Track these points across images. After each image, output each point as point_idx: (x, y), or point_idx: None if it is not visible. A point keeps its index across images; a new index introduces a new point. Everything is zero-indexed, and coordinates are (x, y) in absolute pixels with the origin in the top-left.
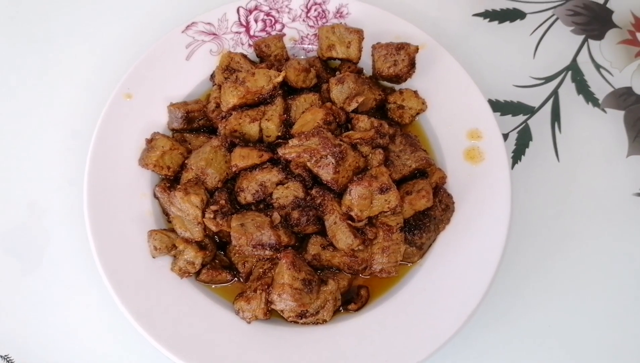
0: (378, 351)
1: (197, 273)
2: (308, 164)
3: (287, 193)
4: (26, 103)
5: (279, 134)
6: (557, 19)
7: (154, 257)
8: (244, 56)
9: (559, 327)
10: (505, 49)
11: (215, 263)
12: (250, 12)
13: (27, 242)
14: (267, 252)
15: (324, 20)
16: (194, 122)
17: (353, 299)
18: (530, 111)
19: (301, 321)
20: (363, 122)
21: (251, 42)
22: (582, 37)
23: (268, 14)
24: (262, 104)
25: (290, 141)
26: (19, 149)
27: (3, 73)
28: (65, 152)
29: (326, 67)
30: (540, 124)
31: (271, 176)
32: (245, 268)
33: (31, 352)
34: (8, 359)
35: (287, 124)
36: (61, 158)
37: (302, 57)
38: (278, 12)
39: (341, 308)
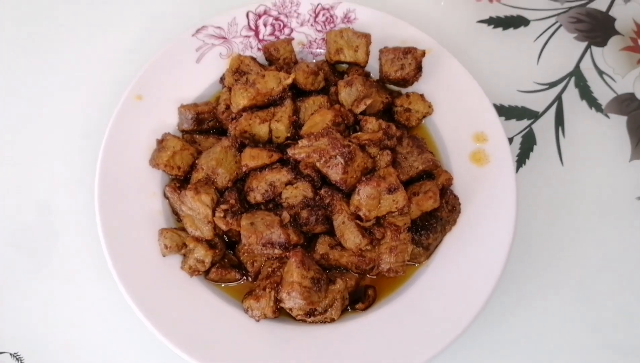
0: (385, 350)
1: (207, 272)
2: (317, 164)
3: (296, 193)
4: (38, 104)
5: (288, 135)
6: (560, 26)
7: (164, 256)
8: (254, 59)
9: (563, 328)
10: (509, 55)
11: (225, 262)
12: (260, 16)
13: (37, 241)
14: (276, 251)
15: (331, 25)
16: (204, 123)
17: (360, 298)
18: (534, 115)
19: (309, 319)
20: (371, 123)
21: (260, 46)
22: (585, 43)
23: (277, 19)
24: (272, 106)
25: (299, 142)
26: (30, 149)
27: (15, 75)
28: (76, 152)
29: (334, 71)
30: (544, 128)
31: (280, 176)
32: (254, 267)
33: (40, 350)
34: (17, 357)
35: (296, 125)
36: (72, 159)
37: (311, 61)
38: (287, 16)
39: (349, 307)
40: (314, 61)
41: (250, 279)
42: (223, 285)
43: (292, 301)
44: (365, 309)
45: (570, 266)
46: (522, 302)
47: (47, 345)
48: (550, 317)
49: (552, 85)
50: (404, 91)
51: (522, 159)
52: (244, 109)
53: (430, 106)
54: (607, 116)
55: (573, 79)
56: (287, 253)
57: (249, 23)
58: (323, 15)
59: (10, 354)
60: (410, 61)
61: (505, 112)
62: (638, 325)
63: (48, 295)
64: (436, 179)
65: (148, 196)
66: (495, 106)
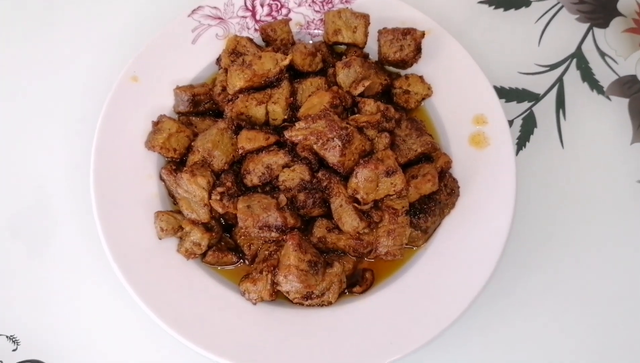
0: (382, 333)
1: (203, 255)
2: (314, 146)
3: (294, 176)
4: (34, 89)
5: (286, 117)
6: (562, 7)
7: (160, 239)
8: (250, 40)
9: (562, 312)
10: (510, 36)
11: (221, 245)
12: None
13: (34, 226)
14: (273, 234)
15: (330, 5)
16: (200, 105)
17: (358, 282)
18: (535, 98)
19: (306, 302)
20: (369, 105)
21: (257, 27)
22: (587, 25)
23: None
24: (269, 87)
25: (296, 124)
26: (26, 134)
27: (11, 60)
28: (72, 136)
29: (332, 52)
30: (545, 111)
31: (277, 158)
32: (250, 250)
33: (37, 333)
34: (14, 340)
35: (293, 107)
36: (68, 142)
37: (308, 42)
38: None
39: (346, 290)
40: (312, 42)
41: (247, 262)
42: (220, 268)
43: (289, 284)
44: (362, 292)
45: (569, 249)
46: (521, 286)
47: (43, 328)
48: (549, 300)
49: (553, 67)
50: (403, 72)
51: (522, 141)
52: (241, 91)
53: (429, 88)
54: (609, 98)
55: (574, 61)
56: (284, 236)
57: (245, 3)
58: None
59: (7, 337)
60: (409, 42)
61: (506, 94)
62: (636, 309)
63: (44, 278)
64: (435, 162)
65: (144, 179)
66: (495, 88)
